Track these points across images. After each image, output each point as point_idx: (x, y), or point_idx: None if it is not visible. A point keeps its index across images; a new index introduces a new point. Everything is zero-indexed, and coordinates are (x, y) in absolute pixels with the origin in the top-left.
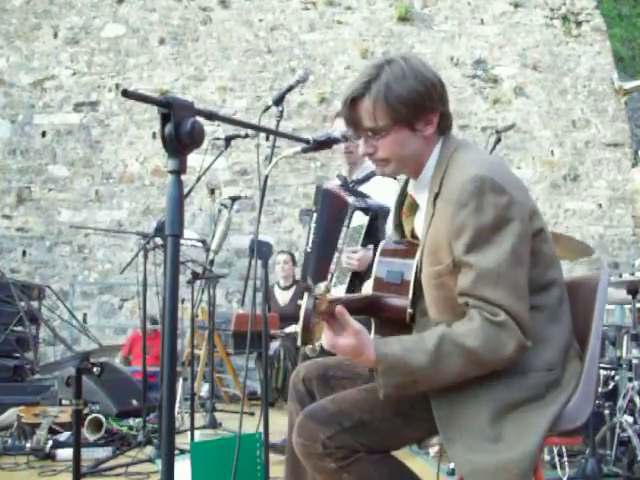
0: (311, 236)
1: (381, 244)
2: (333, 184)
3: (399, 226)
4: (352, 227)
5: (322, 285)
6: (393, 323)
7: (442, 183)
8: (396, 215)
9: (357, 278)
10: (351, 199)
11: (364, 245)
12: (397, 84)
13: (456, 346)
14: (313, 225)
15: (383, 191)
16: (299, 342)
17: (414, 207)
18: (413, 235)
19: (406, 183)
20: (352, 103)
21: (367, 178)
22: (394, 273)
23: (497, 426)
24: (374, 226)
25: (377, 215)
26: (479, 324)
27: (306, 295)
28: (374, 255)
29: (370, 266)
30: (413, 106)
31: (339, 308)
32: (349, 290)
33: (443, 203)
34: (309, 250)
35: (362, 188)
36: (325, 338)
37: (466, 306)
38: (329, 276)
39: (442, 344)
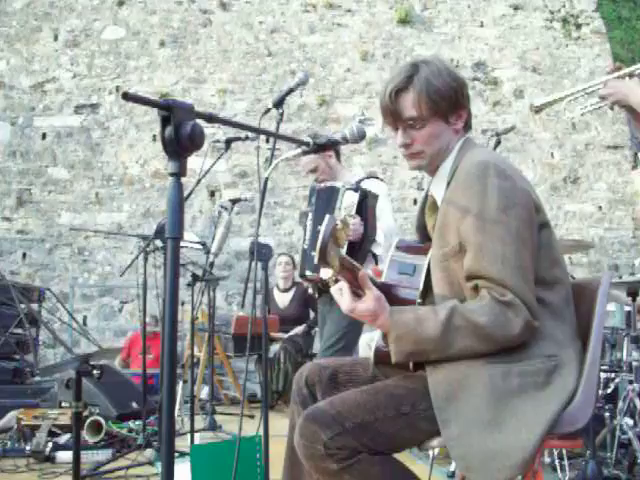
0: (307, 233)
1: (395, 241)
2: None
3: (421, 228)
4: (344, 207)
5: (345, 215)
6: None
7: (454, 173)
8: (419, 217)
9: (352, 252)
10: (339, 184)
11: None
12: (436, 79)
13: (465, 320)
14: (309, 223)
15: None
16: (315, 261)
17: (435, 206)
18: None
19: (428, 186)
20: (396, 95)
21: (358, 184)
22: (407, 265)
23: (493, 411)
24: (364, 204)
25: (366, 194)
26: (487, 302)
27: (327, 218)
28: (365, 230)
29: (362, 239)
30: (449, 100)
31: (362, 272)
32: None
33: (452, 188)
34: (305, 247)
35: None
36: (345, 302)
37: (475, 289)
38: None
39: (452, 317)
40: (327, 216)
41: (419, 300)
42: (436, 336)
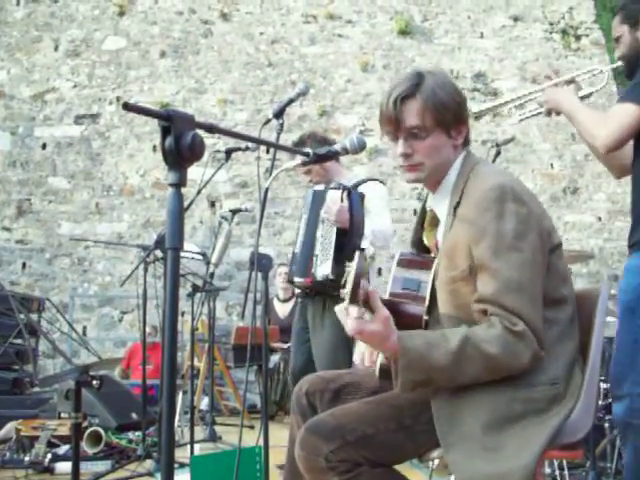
0: (300, 237)
1: (397, 255)
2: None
3: (417, 242)
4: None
5: (368, 249)
6: (408, 330)
7: (463, 192)
8: (416, 232)
9: (340, 249)
10: (322, 187)
11: None
12: (441, 91)
13: (478, 351)
14: (302, 226)
15: (372, 195)
16: (347, 302)
17: (435, 221)
18: (438, 249)
19: (425, 200)
20: (401, 102)
21: (356, 186)
22: (411, 282)
23: (496, 436)
24: (349, 199)
25: (349, 190)
26: (500, 332)
27: (357, 254)
28: (352, 224)
29: (350, 233)
30: (454, 113)
31: (372, 290)
32: (336, 263)
33: (463, 210)
34: (297, 251)
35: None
36: (351, 323)
37: (484, 313)
38: (313, 259)
39: (465, 346)
40: (357, 253)
41: (425, 317)
42: (447, 366)
